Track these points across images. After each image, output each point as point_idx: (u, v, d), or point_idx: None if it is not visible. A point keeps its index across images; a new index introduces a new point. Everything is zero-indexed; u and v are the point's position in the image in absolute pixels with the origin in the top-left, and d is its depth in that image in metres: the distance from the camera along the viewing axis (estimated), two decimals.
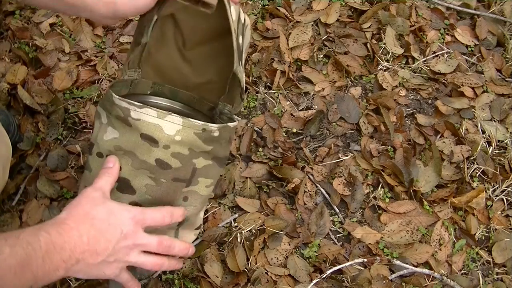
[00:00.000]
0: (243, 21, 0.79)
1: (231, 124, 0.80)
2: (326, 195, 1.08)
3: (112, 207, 0.70)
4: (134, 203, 0.79)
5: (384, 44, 1.28)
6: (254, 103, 1.18)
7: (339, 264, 0.98)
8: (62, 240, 0.61)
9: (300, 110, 1.19)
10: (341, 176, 1.10)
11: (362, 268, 0.99)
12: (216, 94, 0.87)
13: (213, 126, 0.77)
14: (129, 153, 0.78)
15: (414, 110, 1.21)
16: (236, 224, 1.02)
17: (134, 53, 0.82)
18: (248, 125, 1.15)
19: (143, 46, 0.82)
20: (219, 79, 0.86)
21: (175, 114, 0.74)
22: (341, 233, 1.05)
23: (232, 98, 0.85)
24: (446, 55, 1.28)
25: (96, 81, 1.18)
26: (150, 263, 0.73)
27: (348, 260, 1.00)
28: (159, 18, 0.83)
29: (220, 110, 0.88)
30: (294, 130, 1.16)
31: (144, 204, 0.82)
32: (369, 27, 1.32)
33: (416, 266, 1.01)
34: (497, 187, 1.11)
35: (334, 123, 1.17)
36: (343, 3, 1.34)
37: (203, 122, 0.76)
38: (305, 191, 1.08)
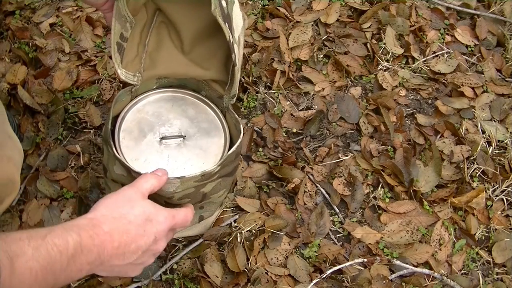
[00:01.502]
0: None
1: (233, 149, 0.80)
2: (326, 195, 1.08)
3: (149, 212, 0.67)
4: None
5: (384, 44, 1.28)
6: (254, 103, 1.18)
7: (339, 264, 0.98)
8: (92, 244, 0.59)
9: (300, 110, 1.19)
10: (341, 176, 1.10)
11: (362, 268, 0.99)
12: (222, 86, 0.88)
13: (212, 168, 0.78)
14: None
15: (414, 110, 1.21)
16: (236, 224, 1.02)
17: (128, 53, 0.82)
18: (248, 125, 1.15)
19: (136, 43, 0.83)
20: (223, 72, 0.87)
21: (171, 178, 0.75)
22: (341, 233, 1.05)
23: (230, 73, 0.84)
24: (446, 55, 1.28)
25: (96, 81, 1.18)
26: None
27: (348, 260, 1.00)
28: (154, 26, 0.84)
29: (227, 105, 0.88)
30: (294, 130, 1.16)
31: None
32: (369, 27, 1.32)
33: (416, 266, 1.01)
34: (497, 187, 1.11)
35: (334, 123, 1.17)
36: (343, 3, 1.34)
37: (201, 171, 0.77)
38: (305, 191, 1.08)
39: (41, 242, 0.54)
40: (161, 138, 0.85)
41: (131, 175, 0.78)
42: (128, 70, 0.83)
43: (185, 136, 0.86)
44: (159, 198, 0.80)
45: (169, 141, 0.85)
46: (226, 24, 0.74)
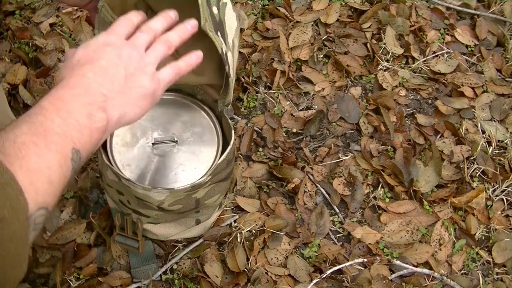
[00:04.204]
0: (223, 0, 0.77)
1: (223, 157, 0.79)
2: (326, 195, 1.08)
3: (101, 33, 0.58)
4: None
5: (384, 44, 1.28)
6: (254, 103, 1.18)
7: (339, 264, 0.98)
8: (68, 93, 0.51)
9: (300, 110, 1.19)
10: (341, 176, 1.10)
11: (362, 268, 0.99)
12: (218, 90, 0.87)
13: (202, 179, 0.78)
14: (131, 196, 0.79)
15: (414, 110, 1.21)
16: (236, 224, 1.02)
17: None
18: (248, 125, 1.15)
19: None
20: (218, 76, 0.85)
21: (160, 188, 0.75)
22: (341, 233, 1.05)
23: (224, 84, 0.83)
24: (446, 55, 1.28)
25: None
26: (172, 71, 0.63)
27: (348, 260, 1.00)
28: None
29: (221, 110, 0.88)
30: (294, 130, 1.16)
31: (161, 219, 0.85)
32: (369, 27, 1.31)
33: (416, 266, 1.01)
34: (497, 187, 1.11)
35: (334, 123, 1.17)
36: (343, 3, 1.34)
37: (191, 183, 0.77)
38: (305, 191, 1.08)
39: (19, 120, 0.48)
40: (153, 143, 0.84)
41: (122, 182, 0.78)
42: None
43: (177, 141, 0.85)
44: (150, 205, 0.80)
45: (161, 146, 0.85)
46: (219, 33, 0.73)
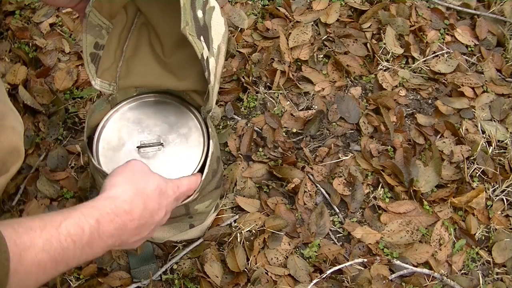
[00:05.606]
0: (210, 4, 0.77)
1: (205, 174, 0.79)
2: (326, 195, 1.08)
3: (161, 185, 0.68)
4: None
5: (384, 44, 1.28)
6: (254, 103, 1.18)
7: (339, 264, 0.98)
8: (112, 228, 0.57)
9: (300, 110, 1.19)
10: (341, 176, 1.10)
11: (362, 268, 0.99)
12: (202, 96, 0.85)
13: (189, 199, 0.78)
14: None
15: (414, 110, 1.21)
16: (236, 224, 1.02)
17: (104, 60, 0.81)
18: (248, 125, 1.15)
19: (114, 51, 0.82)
20: (201, 82, 0.84)
21: None
22: (341, 233, 1.05)
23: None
24: (446, 55, 1.28)
25: None
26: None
27: (348, 260, 1.00)
28: (135, 28, 0.82)
29: (204, 116, 0.86)
30: (294, 130, 1.16)
31: None
32: (369, 27, 1.31)
33: (416, 266, 1.01)
34: (497, 187, 1.11)
35: (334, 123, 1.17)
36: (343, 3, 1.34)
37: (181, 202, 0.77)
38: (305, 191, 1.08)
39: (54, 232, 0.51)
40: (138, 146, 0.84)
41: None
42: (103, 78, 0.81)
43: (162, 143, 0.84)
44: None
45: (147, 149, 0.84)
46: (201, 37, 0.72)
